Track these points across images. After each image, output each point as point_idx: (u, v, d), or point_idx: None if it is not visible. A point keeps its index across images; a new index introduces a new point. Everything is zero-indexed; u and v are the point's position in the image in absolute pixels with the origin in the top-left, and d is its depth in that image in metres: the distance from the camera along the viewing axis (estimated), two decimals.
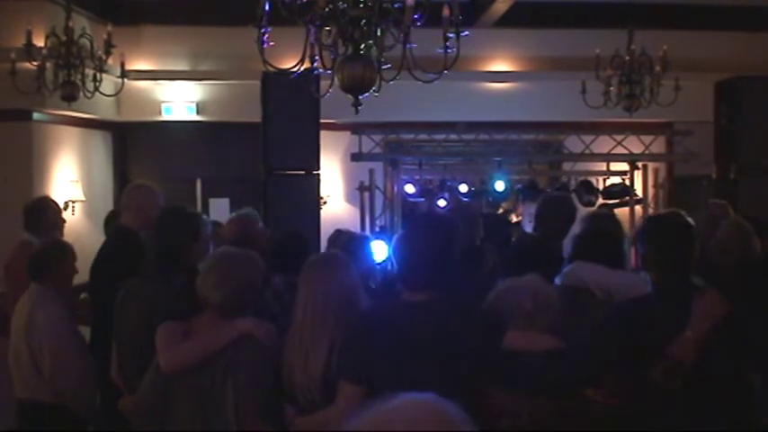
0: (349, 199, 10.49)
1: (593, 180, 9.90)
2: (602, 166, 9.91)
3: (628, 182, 9.64)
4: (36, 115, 8.52)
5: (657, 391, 3.03)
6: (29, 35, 6.78)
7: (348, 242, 4.68)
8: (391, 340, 3.03)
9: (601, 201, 9.69)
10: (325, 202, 9.49)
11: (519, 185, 9.87)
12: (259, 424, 3.27)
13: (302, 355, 3.30)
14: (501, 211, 10.36)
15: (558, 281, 4.03)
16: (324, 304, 3.31)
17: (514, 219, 10.02)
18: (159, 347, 3.38)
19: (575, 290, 3.89)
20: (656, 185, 10.06)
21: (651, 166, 9.87)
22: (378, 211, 9.42)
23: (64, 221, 5.76)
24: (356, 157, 9.15)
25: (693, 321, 3.04)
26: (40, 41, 7.07)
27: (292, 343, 3.35)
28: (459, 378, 2.96)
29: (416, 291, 3.10)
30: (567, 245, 5.37)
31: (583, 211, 6.59)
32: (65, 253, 4.57)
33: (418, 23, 3.64)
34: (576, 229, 4.99)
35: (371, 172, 9.29)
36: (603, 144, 9.79)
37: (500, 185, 9.43)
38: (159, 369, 3.37)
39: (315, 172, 7.57)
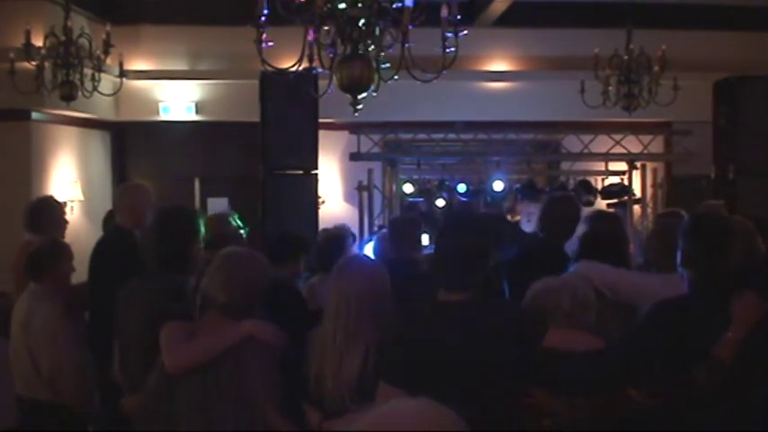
0: (347, 199, 10.49)
1: (591, 180, 9.93)
2: (601, 166, 9.94)
3: (626, 181, 9.66)
4: (35, 115, 8.52)
5: (698, 391, 3.03)
6: (27, 35, 6.78)
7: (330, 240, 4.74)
8: (431, 340, 2.99)
9: (604, 201, 9.72)
10: (323, 202, 9.50)
11: (517, 185, 9.89)
12: (283, 423, 3.23)
13: (336, 361, 3.24)
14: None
15: None
16: (358, 308, 3.24)
17: (509, 218, 10.02)
18: (164, 348, 3.36)
19: None
20: (654, 185, 10.08)
21: (650, 165, 9.90)
22: (376, 210, 9.43)
23: (66, 222, 5.74)
24: (355, 156, 9.16)
25: (735, 322, 3.04)
26: (38, 41, 7.07)
27: (322, 347, 3.29)
28: (501, 378, 2.95)
29: (454, 290, 3.06)
30: (573, 244, 5.38)
31: (585, 210, 6.60)
32: (60, 252, 4.57)
33: (416, 23, 3.64)
34: (581, 228, 4.99)
35: (370, 172, 9.31)
36: (602, 144, 9.81)
37: (498, 185, 9.46)
38: (164, 369, 3.35)
39: (313, 171, 7.58)
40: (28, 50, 6.84)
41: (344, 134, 9.83)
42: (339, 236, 5.18)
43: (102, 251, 5.04)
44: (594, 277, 3.88)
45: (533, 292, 3.41)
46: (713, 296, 3.17)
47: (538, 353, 3.06)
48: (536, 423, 3.05)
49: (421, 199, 10.07)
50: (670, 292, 3.33)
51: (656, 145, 10.13)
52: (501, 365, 2.96)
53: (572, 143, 10.17)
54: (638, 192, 9.72)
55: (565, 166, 10.62)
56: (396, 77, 3.82)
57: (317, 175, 7.66)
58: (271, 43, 3.71)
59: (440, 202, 9.79)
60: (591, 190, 9.80)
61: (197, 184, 10.26)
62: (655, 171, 10.12)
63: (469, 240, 3.09)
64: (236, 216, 5.05)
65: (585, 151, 9.81)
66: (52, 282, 4.46)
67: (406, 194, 9.67)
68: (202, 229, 3.99)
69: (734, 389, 3.02)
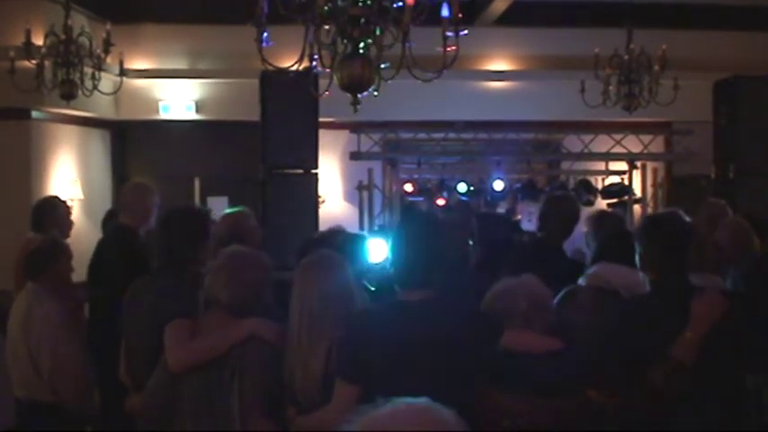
0: (348, 198, 10.49)
1: (591, 179, 9.93)
2: (601, 166, 9.94)
3: (626, 181, 9.66)
4: (35, 114, 8.52)
5: (658, 391, 3.03)
6: (28, 34, 6.78)
7: (343, 242, 4.67)
8: (388, 339, 3.00)
9: (604, 201, 9.72)
10: (323, 201, 9.49)
11: (518, 185, 9.89)
12: (262, 423, 3.26)
13: (301, 357, 3.28)
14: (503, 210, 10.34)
15: (582, 282, 4.03)
16: (321, 305, 3.28)
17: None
18: (167, 346, 3.37)
19: (601, 291, 3.88)
20: (654, 185, 10.08)
21: (650, 165, 9.90)
22: (376, 210, 9.43)
23: (71, 222, 5.72)
24: (355, 155, 9.16)
25: (693, 322, 3.05)
26: (39, 40, 7.07)
27: (291, 345, 3.32)
28: (458, 378, 2.95)
29: (413, 290, 3.06)
30: (573, 244, 5.38)
31: (585, 210, 6.58)
32: (58, 252, 4.52)
33: (417, 22, 3.64)
34: (582, 228, 4.98)
35: (370, 171, 9.30)
36: (602, 143, 9.81)
37: (498, 185, 9.46)
38: (166, 367, 3.36)
39: (313, 171, 7.58)
40: (28, 49, 6.84)
41: (345, 133, 9.83)
42: (351, 237, 5.11)
43: (106, 250, 5.03)
44: (613, 279, 3.88)
45: (492, 292, 3.42)
46: (673, 296, 3.18)
47: (496, 353, 3.06)
48: (495, 424, 3.04)
49: (421, 198, 10.07)
50: None
51: (657, 145, 10.12)
52: (459, 365, 2.96)
53: (572, 143, 10.17)
54: (638, 191, 9.73)
55: (565, 165, 10.62)
56: (396, 77, 3.81)
57: (317, 174, 7.65)
58: (271, 43, 3.70)
59: (440, 202, 9.79)
60: (591, 190, 9.81)
61: (197, 183, 10.27)
62: (655, 171, 10.12)
63: (429, 240, 3.09)
64: (248, 212, 5.02)
65: (586, 151, 9.81)
66: (51, 281, 4.43)
67: (406, 194, 9.67)
68: (211, 228, 3.98)
69: (693, 388, 3.02)
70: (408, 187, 9.63)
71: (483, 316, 3.22)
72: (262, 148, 7.42)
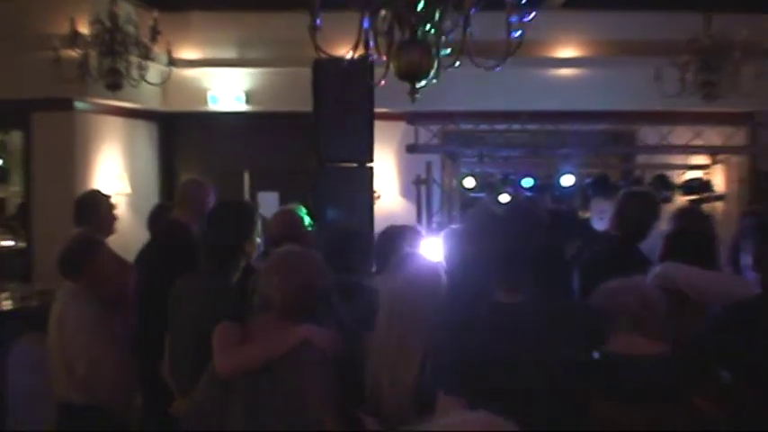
0: (404, 193, 10.50)
1: (669, 174, 9.79)
2: (680, 160, 9.79)
3: (708, 176, 9.51)
4: (78, 104, 8.69)
5: (765, 400, 2.99)
6: (72, 22, 6.92)
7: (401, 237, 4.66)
8: (490, 345, 2.97)
9: (684, 197, 9.58)
10: (378, 197, 9.51)
11: (588, 180, 9.79)
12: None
13: (390, 368, 3.25)
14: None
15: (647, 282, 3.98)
16: (414, 313, 3.24)
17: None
18: (216, 350, 3.39)
19: (665, 291, 3.84)
20: (738, 180, 9.90)
21: (733, 159, 9.72)
22: (435, 206, 9.42)
23: (115, 217, 5.81)
24: (412, 148, 9.17)
25: None
26: (84, 28, 7.21)
27: (377, 354, 3.30)
28: (563, 382, 2.93)
29: (513, 291, 3.05)
30: (652, 244, 5.30)
31: (668, 207, 6.48)
32: (94, 249, 4.50)
33: (479, 6, 3.63)
34: (663, 227, 4.89)
35: (428, 165, 9.30)
36: (681, 135, 9.66)
37: (567, 180, 9.38)
38: (215, 373, 3.38)
39: (368, 164, 7.60)
40: (73, 38, 6.98)
41: (401, 125, 9.84)
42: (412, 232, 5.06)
43: (155, 247, 5.11)
44: (679, 279, 3.83)
45: (601, 292, 3.39)
46: None
47: (599, 357, 3.03)
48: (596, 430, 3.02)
49: (483, 194, 10.04)
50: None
51: (740, 137, 9.94)
52: (566, 368, 2.94)
53: (648, 134, 10.04)
54: (720, 188, 9.57)
55: (640, 159, 10.50)
56: (456, 64, 3.81)
57: (372, 168, 7.68)
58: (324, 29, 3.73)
59: (503, 198, 9.75)
60: (668, 185, 9.67)
61: (246, 177, 10.38)
62: (738, 165, 9.94)
63: (533, 239, 3.07)
64: (302, 210, 5.06)
65: (663, 143, 9.67)
66: (88, 280, 4.44)
67: (466, 189, 9.64)
68: (258, 224, 4.01)
69: None
70: (469, 182, 9.60)
71: (589, 317, 3.18)
72: (314, 140, 7.46)
